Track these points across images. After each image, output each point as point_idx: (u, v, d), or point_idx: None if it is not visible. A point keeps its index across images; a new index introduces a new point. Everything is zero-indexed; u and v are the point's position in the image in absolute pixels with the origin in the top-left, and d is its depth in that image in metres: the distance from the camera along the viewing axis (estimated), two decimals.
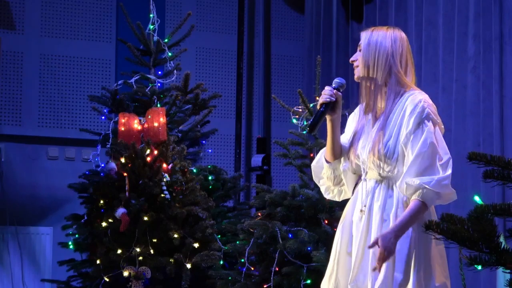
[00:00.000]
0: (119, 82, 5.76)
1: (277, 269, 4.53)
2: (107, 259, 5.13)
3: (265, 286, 4.56)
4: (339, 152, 3.15)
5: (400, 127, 2.98)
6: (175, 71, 5.80)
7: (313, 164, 3.27)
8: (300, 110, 4.88)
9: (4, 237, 6.41)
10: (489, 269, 2.34)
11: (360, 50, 3.10)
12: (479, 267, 2.29)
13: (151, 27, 5.81)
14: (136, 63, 5.82)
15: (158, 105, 5.55)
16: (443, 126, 3.05)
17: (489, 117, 5.01)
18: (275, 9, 7.60)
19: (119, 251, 5.09)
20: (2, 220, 6.38)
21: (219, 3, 7.39)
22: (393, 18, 6.12)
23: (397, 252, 2.92)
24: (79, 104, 6.80)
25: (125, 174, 5.18)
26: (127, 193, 5.12)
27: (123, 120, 5.39)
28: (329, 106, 3.08)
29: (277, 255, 4.54)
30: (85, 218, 5.37)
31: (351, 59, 3.12)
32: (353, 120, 3.22)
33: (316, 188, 4.53)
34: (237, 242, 4.83)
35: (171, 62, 5.80)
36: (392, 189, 3.01)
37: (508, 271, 2.30)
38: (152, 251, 5.10)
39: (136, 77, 5.71)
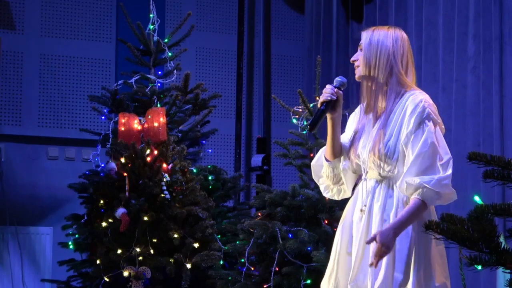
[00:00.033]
0: (119, 82, 5.76)
1: (277, 269, 4.53)
2: (107, 259, 5.13)
3: (265, 286, 4.56)
4: (339, 151, 3.15)
5: (401, 127, 2.98)
6: (175, 71, 5.80)
7: (313, 163, 3.27)
8: (300, 110, 4.88)
9: (4, 237, 6.41)
10: (489, 269, 2.34)
11: (361, 50, 3.10)
12: (479, 267, 2.29)
13: (151, 27, 5.81)
14: (136, 63, 5.82)
15: (158, 105, 5.55)
16: (443, 126, 3.05)
17: (489, 117, 5.01)
18: (275, 9, 7.60)
19: (119, 251, 5.09)
20: (2, 220, 6.38)
21: (219, 3, 7.39)
22: (393, 18, 6.12)
23: (397, 252, 2.92)
24: (79, 104, 6.80)
25: (125, 174, 5.18)
26: (127, 193, 5.12)
27: (123, 120, 5.39)
28: (330, 105, 3.08)
29: (277, 255, 4.54)
30: (85, 218, 5.37)
31: (352, 58, 3.12)
32: (354, 119, 3.22)
33: (316, 188, 4.52)
34: (237, 242, 4.83)
35: (171, 62, 5.80)
36: (393, 189, 3.01)
37: (508, 271, 2.30)
38: (152, 251, 5.10)
39: (136, 77, 5.71)
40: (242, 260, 4.69)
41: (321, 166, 3.23)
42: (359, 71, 3.09)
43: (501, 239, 2.30)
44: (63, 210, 6.25)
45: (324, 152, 3.20)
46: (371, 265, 2.89)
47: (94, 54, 6.89)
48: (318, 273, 4.23)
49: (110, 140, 5.50)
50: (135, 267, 5.06)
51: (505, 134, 4.91)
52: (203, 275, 5.07)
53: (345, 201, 3.26)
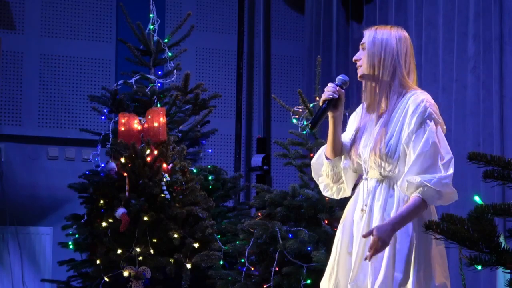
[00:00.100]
0: (119, 82, 5.76)
1: (277, 269, 4.53)
2: (107, 259, 5.13)
3: (265, 286, 4.56)
4: (339, 150, 3.15)
5: (402, 127, 2.98)
6: (175, 71, 5.80)
7: (313, 161, 3.27)
8: (300, 110, 4.88)
9: (4, 237, 6.41)
10: (489, 269, 2.34)
11: (363, 49, 3.09)
12: (479, 267, 2.29)
13: (151, 27, 5.81)
14: (136, 63, 5.82)
15: (158, 105, 5.55)
16: (445, 126, 3.05)
17: (489, 117, 5.01)
18: (275, 9, 7.60)
19: (119, 251, 5.09)
20: (2, 220, 6.38)
21: (219, 3, 7.39)
22: (393, 18, 6.12)
23: (397, 252, 2.93)
24: (79, 104, 6.80)
25: (125, 174, 5.18)
26: (127, 193, 5.12)
27: (123, 120, 5.39)
28: (331, 103, 3.07)
29: (277, 255, 4.54)
30: (85, 218, 5.37)
31: (354, 58, 3.11)
32: (355, 119, 3.22)
33: (316, 188, 4.52)
34: (237, 242, 4.83)
35: (171, 62, 5.80)
36: (393, 188, 3.01)
37: (508, 271, 2.30)
38: (152, 251, 5.10)
39: (136, 77, 5.71)
40: (242, 260, 4.69)
41: (321, 164, 3.23)
42: (362, 70, 3.08)
43: (501, 239, 2.30)
44: (63, 210, 6.25)
45: (324, 151, 3.20)
46: (365, 259, 2.89)
47: (94, 54, 6.89)
48: (318, 273, 4.22)
49: (110, 140, 5.50)
50: (135, 267, 5.06)
51: (505, 134, 4.91)
52: (203, 275, 5.07)
53: (345, 201, 3.26)
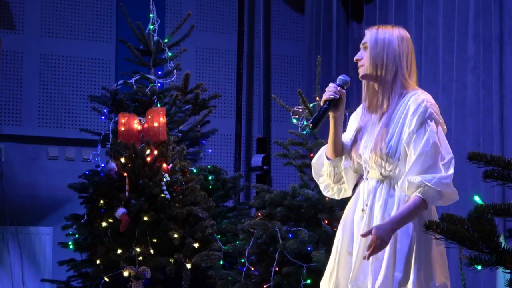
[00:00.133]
0: (119, 82, 5.76)
1: (277, 269, 4.53)
2: (107, 259, 5.13)
3: (265, 286, 4.56)
4: (340, 150, 3.15)
5: (403, 127, 2.98)
6: (175, 71, 5.80)
7: (313, 162, 3.27)
8: (300, 110, 4.88)
9: (4, 237, 6.41)
10: (489, 269, 2.34)
11: (365, 49, 3.08)
12: (479, 267, 2.29)
13: (151, 27, 5.81)
14: (136, 63, 5.82)
15: (158, 105, 5.55)
16: (445, 126, 3.05)
17: (489, 117, 5.01)
18: (275, 9, 7.60)
19: (119, 251, 5.09)
20: (2, 220, 6.38)
21: (219, 3, 7.39)
22: (393, 18, 6.12)
23: (397, 252, 2.92)
24: (79, 104, 6.80)
25: (125, 174, 5.18)
26: (127, 193, 5.12)
27: (123, 120, 5.39)
28: (332, 103, 3.07)
29: (277, 255, 4.54)
30: (85, 218, 5.37)
31: (356, 57, 3.10)
32: (355, 119, 3.22)
33: (316, 188, 4.52)
34: (237, 242, 4.83)
35: (171, 62, 5.80)
36: (394, 188, 3.00)
37: (508, 271, 2.30)
38: (152, 251, 5.10)
39: (136, 77, 5.71)
40: (242, 260, 4.69)
41: (321, 164, 3.22)
42: (364, 69, 3.07)
43: (501, 239, 2.30)
44: (63, 210, 6.25)
45: (325, 151, 3.20)
46: (364, 258, 2.89)
47: (94, 54, 6.89)
48: (318, 273, 4.22)
49: (110, 140, 5.50)
50: (135, 267, 5.06)
51: (505, 134, 4.91)
52: (203, 275, 5.07)
53: (345, 201, 3.25)
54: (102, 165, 5.41)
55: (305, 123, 4.86)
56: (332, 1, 7.00)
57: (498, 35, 4.99)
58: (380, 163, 3.00)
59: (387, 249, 2.90)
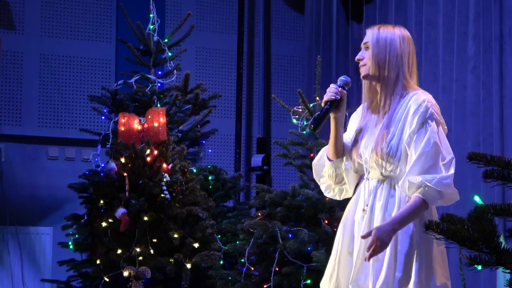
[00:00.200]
0: (119, 82, 5.76)
1: (277, 269, 4.53)
2: (107, 259, 5.13)
3: (265, 286, 4.56)
4: (341, 151, 3.14)
5: (404, 127, 2.98)
6: (175, 71, 5.80)
7: (314, 162, 3.26)
8: (300, 110, 4.88)
9: (4, 237, 6.40)
10: (489, 269, 2.35)
11: (366, 48, 3.07)
12: (479, 267, 2.29)
13: (151, 27, 5.81)
14: (136, 63, 5.82)
15: (158, 105, 5.55)
16: (446, 127, 3.05)
17: (489, 117, 5.01)
18: (275, 9, 7.60)
19: (119, 251, 5.09)
20: (2, 220, 6.38)
21: (219, 3, 7.39)
22: (393, 18, 6.12)
23: (398, 252, 2.92)
24: (79, 104, 6.80)
25: (125, 174, 5.18)
26: (127, 193, 5.12)
27: (123, 120, 5.39)
28: (333, 104, 3.07)
29: (277, 255, 4.54)
30: (85, 218, 5.37)
31: (357, 57, 3.09)
32: (356, 119, 3.21)
33: (316, 188, 4.52)
34: (237, 242, 4.83)
35: (171, 62, 5.80)
36: (394, 188, 3.00)
37: (508, 271, 2.30)
38: (152, 251, 5.10)
39: (136, 77, 5.71)
40: (242, 260, 4.69)
41: (322, 165, 3.22)
42: (366, 69, 3.06)
43: (501, 239, 2.30)
44: (63, 210, 6.25)
45: (326, 152, 3.19)
46: (365, 259, 2.89)
47: (94, 54, 6.89)
48: (318, 273, 4.22)
49: (110, 140, 5.50)
50: (135, 267, 5.06)
51: (505, 134, 4.91)
52: (203, 275, 5.07)
53: (345, 201, 3.25)
54: (102, 165, 5.41)
55: (305, 123, 4.86)
56: (332, 1, 7.00)
57: (498, 35, 4.99)
58: (380, 163, 2.99)
59: (388, 249, 2.90)
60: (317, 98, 4.82)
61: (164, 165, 5.21)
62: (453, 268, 3.37)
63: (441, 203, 2.92)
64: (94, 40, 6.92)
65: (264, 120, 7.44)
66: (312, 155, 4.81)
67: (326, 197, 3.32)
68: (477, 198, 2.94)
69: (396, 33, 3.06)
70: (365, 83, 3.12)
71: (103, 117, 5.85)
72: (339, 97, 3.07)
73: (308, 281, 4.42)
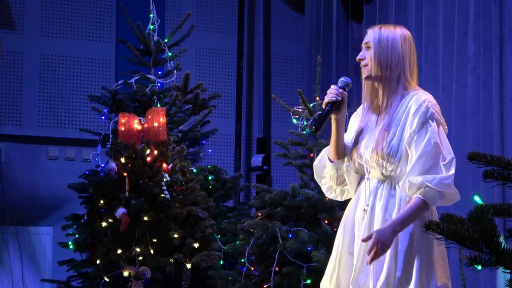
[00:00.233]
0: (119, 82, 5.76)
1: (277, 269, 4.53)
2: (107, 259, 5.13)
3: (265, 286, 4.56)
4: (343, 152, 3.14)
5: (404, 127, 2.97)
6: (175, 71, 5.80)
7: (315, 163, 3.26)
8: (300, 110, 4.88)
9: (4, 237, 6.40)
10: (489, 269, 2.34)
11: (367, 48, 3.06)
12: (479, 267, 2.29)
13: (151, 27, 5.81)
14: (136, 63, 5.82)
15: (158, 105, 5.56)
16: (446, 127, 3.05)
17: (489, 117, 5.01)
18: (275, 9, 7.60)
19: (119, 251, 5.09)
20: (2, 220, 6.38)
21: (219, 3, 7.39)
22: (393, 18, 6.12)
23: (399, 252, 2.92)
24: (79, 104, 6.80)
25: (125, 174, 5.18)
26: (127, 193, 5.12)
27: (123, 120, 5.39)
28: (334, 105, 3.06)
29: (277, 255, 4.54)
30: (85, 218, 5.37)
31: (358, 57, 3.08)
32: (356, 119, 3.21)
33: (316, 188, 4.52)
34: (237, 242, 4.83)
35: (171, 62, 5.80)
36: (395, 189, 3.00)
37: (508, 271, 2.30)
38: (152, 251, 5.10)
39: (136, 77, 5.71)
40: (242, 260, 4.69)
41: (323, 166, 3.21)
42: (368, 70, 3.04)
43: (501, 239, 2.30)
44: (63, 210, 6.25)
45: (327, 153, 3.18)
46: (367, 263, 2.89)
47: (94, 54, 6.89)
48: (318, 273, 4.22)
49: (110, 140, 5.50)
50: (135, 267, 5.06)
51: (505, 134, 4.91)
52: (203, 275, 5.07)
53: (345, 201, 3.25)
54: (102, 165, 5.41)
55: (305, 123, 4.85)
56: (332, 1, 7.00)
57: (498, 35, 4.99)
58: (381, 163, 2.99)
59: (388, 249, 2.89)
60: (317, 98, 4.82)
61: (164, 165, 5.21)
62: (453, 268, 3.37)
63: (442, 203, 2.92)
64: (94, 40, 6.92)
65: (264, 120, 7.44)
66: (312, 155, 4.82)
67: (326, 197, 3.32)
68: (477, 198, 2.94)
69: (397, 33, 3.05)
70: (365, 83, 3.12)
71: (103, 117, 5.85)
72: (340, 99, 3.06)
73: (308, 281, 4.42)
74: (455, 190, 2.91)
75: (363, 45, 3.09)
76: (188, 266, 5.06)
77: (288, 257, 4.53)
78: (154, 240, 5.14)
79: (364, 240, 2.91)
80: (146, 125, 5.37)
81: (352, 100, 6.15)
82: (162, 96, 5.70)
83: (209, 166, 6.12)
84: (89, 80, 6.86)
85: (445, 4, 5.51)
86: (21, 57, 6.68)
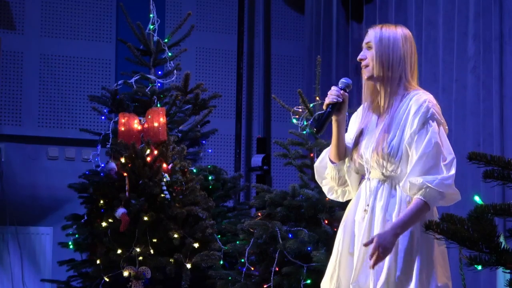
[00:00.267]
0: (119, 82, 5.76)
1: (277, 269, 4.53)
2: (107, 259, 5.13)
3: (265, 286, 4.56)
4: (344, 153, 3.13)
5: (405, 127, 2.97)
6: (175, 71, 5.80)
7: (316, 164, 3.25)
8: (300, 110, 4.88)
9: (4, 237, 6.40)
10: (489, 269, 2.34)
11: (368, 48, 3.05)
12: (479, 267, 2.29)
13: (151, 27, 5.81)
14: (136, 63, 5.82)
15: (158, 105, 5.56)
16: (447, 127, 3.04)
17: (489, 117, 5.01)
18: (275, 9, 7.60)
19: (119, 251, 5.09)
20: (2, 220, 6.38)
21: (219, 3, 7.39)
22: (393, 18, 6.12)
23: (399, 252, 2.92)
24: (79, 104, 6.80)
25: (125, 174, 5.18)
26: (127, 193, 5.12)
27: (123, 120, 5.39)
28: (335, 107, 3.06)
29: (277, 255, 4.54)
30: (85, 218, 5.37)
31: (359, 57, 3.07)
32: (356, 119, 3.20)
33: (316, 188, 4.52)
34: (237, 242, 4.83)
35: (171, 62, 5.81)
36: (395, 189, 2.99)
37: (508, 271, 2.30)
38: (152, 251, 5.10)
39: (136, 77, 5.71)
40: (242, 260, 4.69)
41: (324, 167, 3.21)
42: (370, 70, 3.03)
43: (501, 239, 2.30)
44: (63, 210, 6.24)
45: (328, 154, 3.18)
46: (369, 268, 2.89)
47: (94, 54, 6.89)
48: (318, 273, 4.22)
49: (110, 140, 5.50)
50: (135, 267, 5.06)
51: (505, 134, 4.91)
52: (203, 275, 5.06)
53: (345, 201, 3.25)
54: (102, 165, 5.41)
55: (305, 123, 4.85)
56: (332, 1, 7.00)
57: (498, 35, 4.99)
58: (381, 163, 2.99)
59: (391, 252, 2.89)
60: (317, 98, 4.82)
61: (164, 165, 5.21)
62: (453, 268, 3.37)
63: (443, 204, 2.92)
64: (94, 40, 6.92)
65: (264, 120, 7.44)
66: (312, 155, 4.82)
67: (326, 197, 3.32)
68: (477, 198, 2.94)
69: (398, 32, 3.04)
70: (366, 84, 3.11)
71: (103, 117, 5.86)
72: (341, 100, 3.06)
73: (308, 281, 4.42)
74: (455, 190, 2.90)
75: (364, 44, 3.08)
76: (188, 266, 5.06)
77: (288, 257, 4.52)
78: (154, 240, 5.14)
79: (366, 245, 2.90)
80: (146, 125, 5.37)
81: (352, 100, 6.16)
82: (162, 96, 5.70)
83: (209, 166, 6.12)
84: (89, 80, 6.86)
85: (445, 4, 5.51)
86: (21, 57, 6.68)
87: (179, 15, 7.06)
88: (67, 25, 6.84)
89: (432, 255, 2.95)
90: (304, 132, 4.87)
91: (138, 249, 5.07)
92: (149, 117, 5.37)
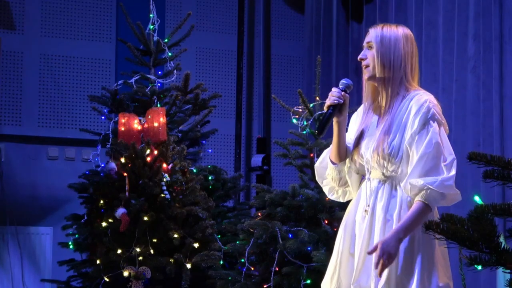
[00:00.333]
0: (119, 82, 5.76)
1: (277, 269, 4.53)
2: (107, 259, 5.13)
3: (265, 286, 4.56)
4: (344, 153, 3.13)
5: (405, 127, 2.97)
6: (175, 71, 5.80)
7: (317, 165, 3.25)
8: (300, 110, 4.88)
9: (4, 237, 6.40)
10: (489, 269, 2.34)
11: (369, 47, 3.04)
12: (479, 267, 2.29)
13: (151, 27, 5.81)
14: (136, 63, 5.82)
15: (158, 105, 5.56)
16: (447, 127, 3.04)
17: (489, 117, 5.01)
18: (275, 9, 7.60)
19: (119, 251, 5.09)
20: (2, 220, 6.38)
21: (219, 3, 7.39)
22: (393, 18, 6.12)
23: (400, 252, 2.91)
24: (79, 104, 6.80)
25: (125, 174, 5.18)
26: (127, 193, 5.12)
27: (123, 120, 5.39)
28: (337, 108, 3.05)
29: (277, 255, 4.54)
30: (85, 218, 5.37)
31: (360, 56, 3.06)
32: (356, 119, 3.20)
33: (316, 188, 4.52)
34: (237, 242, 4.83)
35: (171, 62, 5.81)
36: (396, 189, 2.99)
37: (508, 271, 2.30)
38: (152, 251, 5.10)
39: (136, 77, 5.71)
40: (242, 260, 4.69)
41: (325, 168, 3.20)
42: (370, 70, 3.03)
43: (501, 239, 2.30)
44: (63, 210, 6.24)
45: (329, 154, 3.17)
46: (377, 276, 2.88)
47: (94, 54, 6.89)
48: (318, 273, 4.23)
49: (110, 140, 5.50)
50: (135, 267, 5.06)
51: (505, 134, 4.91)
52: (203, 275, 5.07)
53: (346, 202, 3.25)
54: (102, 165, 5.41)
55: (305, 123, 4.85)
56: (332, 1, 7.00)
57: (498, 35, 4.99)
58: (382, 163, 2.98)
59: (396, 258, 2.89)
60: (317, 98, 4.82)
61: (164, 165, 5.21)
62: (453, 268, 3.37)
63: (444, 204, 2.92)
64: (94, 40, 6.92)
65: (264, 120, 7.44)
66: (312, 155, 4.81)
67: (326, 197, 3.31)
68: (477, 198, 2.94)
69: (399, 32, 3.03)
70: (366, 83, 3.11)
71: (103, 117, 5.86)
72: (342, 101, 3.05)
73: (308, 281, 4.42)
74: (456, 191, 2.90)
75: (364, 44, 3.08)
76: (188, 266, 5.06)
77: (288, 257, 4.52)
78: (154, 240, 5.14)
79: (370, 253, 2.89)
80: (146, 125, 5.37)
81: (352, 100, 6.16)
82: (162, 96, 5.70)
83: (209, 166, 6.12)
84: (89, 80, 6.86)
85: (445, 4, 5.51)
86: (21, 57, 6.68)
87: (179, 15, 7.07)
88: (67, 25, 6.84)
89: (433, 255, 2.94)
90: (304, 132, 4.87)
91: (138, 249, 5.07)
92: (149, 117, 5.37)
